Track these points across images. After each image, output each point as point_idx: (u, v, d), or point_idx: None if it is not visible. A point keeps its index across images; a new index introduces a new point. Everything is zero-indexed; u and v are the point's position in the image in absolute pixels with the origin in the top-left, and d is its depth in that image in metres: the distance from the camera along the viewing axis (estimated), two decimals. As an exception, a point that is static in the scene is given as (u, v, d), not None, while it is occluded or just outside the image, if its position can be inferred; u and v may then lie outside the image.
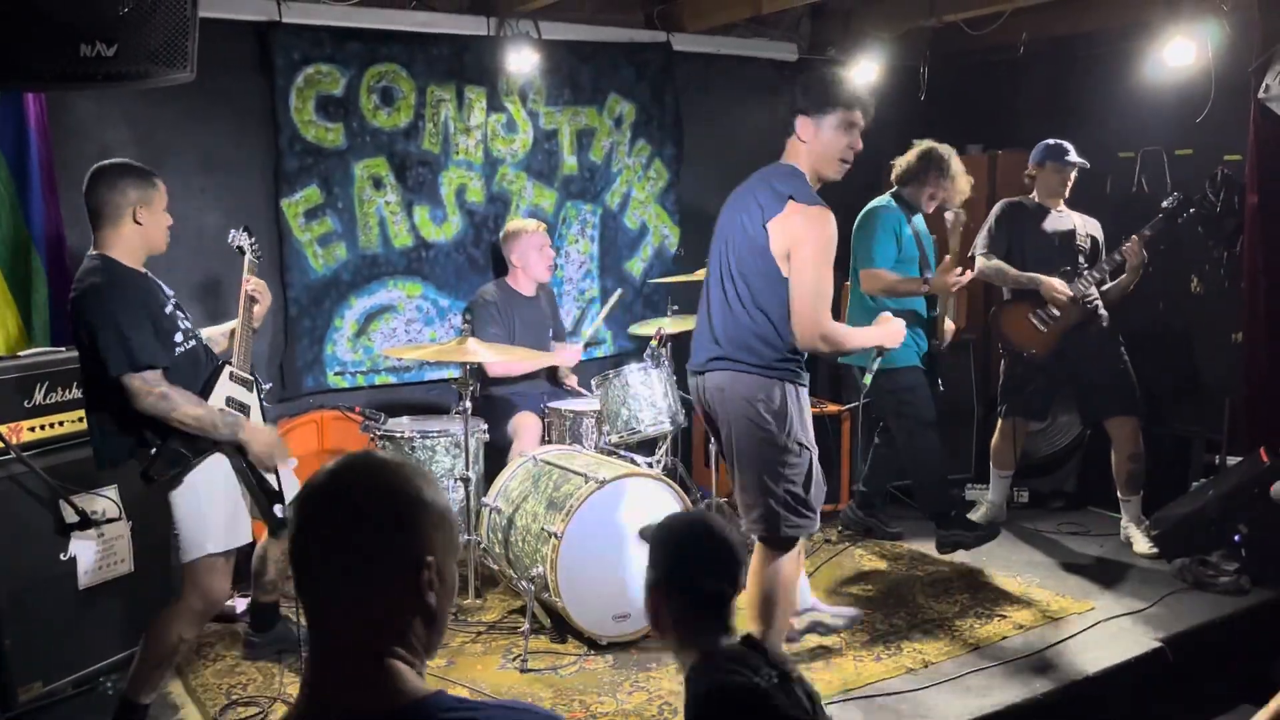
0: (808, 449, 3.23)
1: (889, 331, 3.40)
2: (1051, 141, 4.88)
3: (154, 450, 3.03)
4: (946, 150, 4.59)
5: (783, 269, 3.08)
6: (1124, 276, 4.76)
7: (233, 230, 3.55)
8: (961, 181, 4.57)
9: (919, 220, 4.64)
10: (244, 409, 3.23)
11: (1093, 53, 5.68)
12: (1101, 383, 4.80)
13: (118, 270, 3.03)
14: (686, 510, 3.59)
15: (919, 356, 4.54)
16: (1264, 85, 4.60)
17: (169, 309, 3.13)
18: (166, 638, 3.10)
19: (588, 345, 5.32)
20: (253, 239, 3.55)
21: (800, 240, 3.05)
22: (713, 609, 2.15)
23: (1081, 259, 4.83)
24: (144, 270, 3.13)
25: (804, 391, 3.25)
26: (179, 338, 3.12)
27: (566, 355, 4.96)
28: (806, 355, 3.22)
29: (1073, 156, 4.83)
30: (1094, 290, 4.78)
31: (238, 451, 3.17)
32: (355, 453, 1.37)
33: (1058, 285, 4.71)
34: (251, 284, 3.42)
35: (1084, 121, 5.78)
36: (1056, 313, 4.75)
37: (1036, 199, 4.94)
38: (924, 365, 4.55)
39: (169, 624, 3.11)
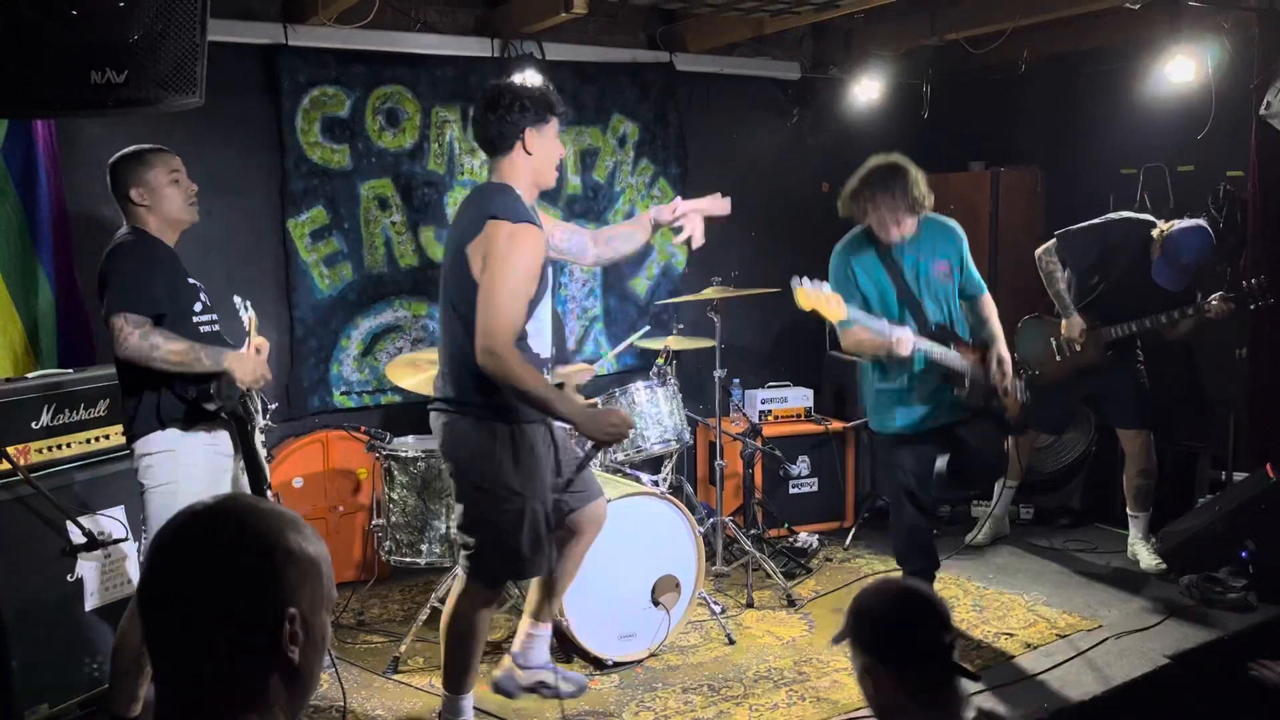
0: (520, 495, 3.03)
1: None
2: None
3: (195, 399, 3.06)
4: (890, 164, 3.80)
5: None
6: (1190, 321, 4.58)
7: (236, 298, 3.41)
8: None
9: (910, 249, 3.85)
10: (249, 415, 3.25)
11: (1094, 70, 5.70)
12: (1117, 394, 4.77)
13: (147, 237, 3.15)
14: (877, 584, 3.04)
15: (904, 423, 3.88)
16: (1265, 102, 4.62)
17: (192, 280, 3.22)
18: (131, 642, 3.12)
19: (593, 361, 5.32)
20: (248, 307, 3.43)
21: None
22: (944, 680, 1.93)
23: (1158, 304, 4.56)
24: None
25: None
26: (198, 308, 3.20)
27: (577, 371, 4.96)
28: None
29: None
30: (1130, 331, 4.61)
31: (241, 434, 3.20)
32: (221, 497, 1.27)
33: (1076, 335, 4.64)
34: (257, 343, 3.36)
35: (1086, 138, 5.80)
36: (1077, 348, 4.72)
37: (1153, 227, 4.58)
38: (923, 428, 3.88)
39: (130, 630, 3.13)
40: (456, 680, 3.19)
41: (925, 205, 3.78)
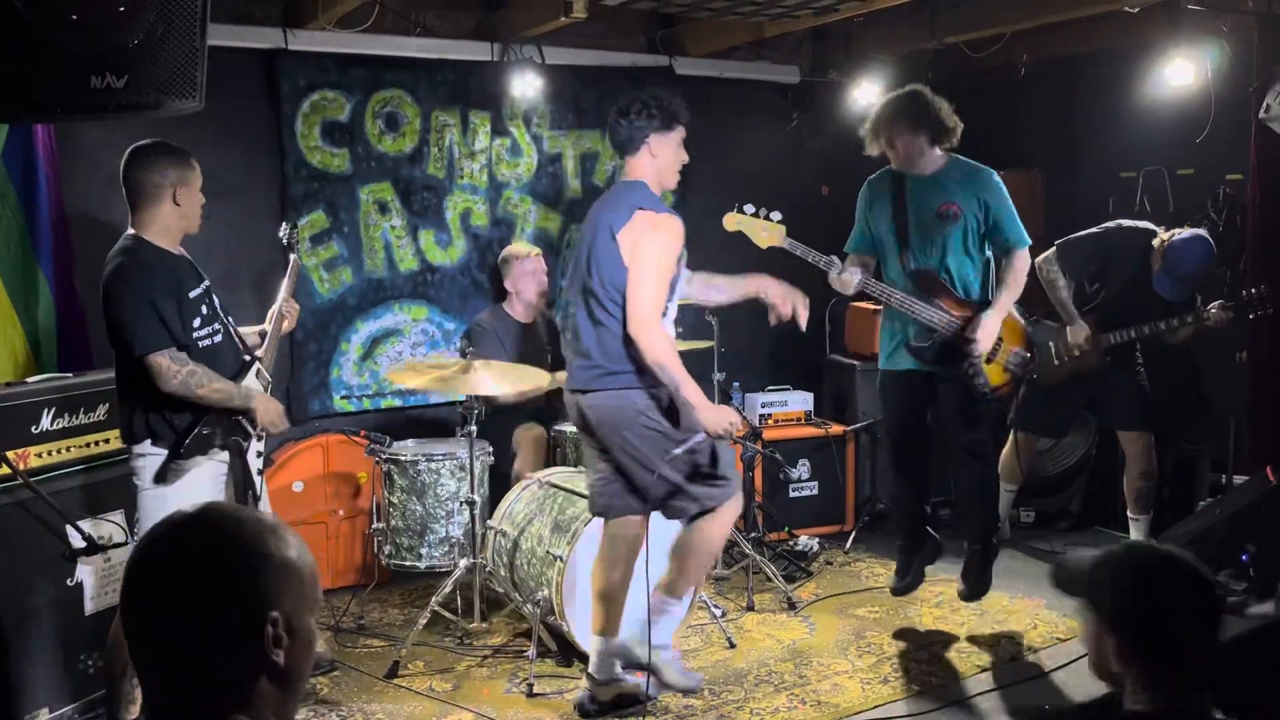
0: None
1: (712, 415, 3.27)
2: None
3: (184, 430, 3.12)
4: (904, 91, 3.97)
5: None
6: (1189, 329, 4.57)
7: (284, 225, 3.73)
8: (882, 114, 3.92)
9: (920, 187, 3.89)
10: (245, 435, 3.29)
11: (1093, 73, 5.71)
12: (1118, 396, 4.76)
13: (148, 250, 3.12)
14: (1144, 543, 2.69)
15: (882, 362, 4.06)
16: (1264, 105, 4.62)
17: (195, 293, 3.20)
18: (121, 642, 3.12)
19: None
20: (295, 234, 3.72)
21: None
22: (1196, 668, 1.72)
23: (1159, 311, 4.57)
24: (179, 252, 3.23)
25: None
26: (197, 323, 3.18)
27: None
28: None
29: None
30: (1129, 337, 4.61)
31: (236, 452, 3.23)
32: (201, 505, 1.28)
33: (1081, 339, 4.62)
34: (288, 303, 3.60)
35: (1085, 142, 5.80)
36: (1077, 352, 4.71)
37: (1154, 236, 4.57)
38: (908, 371, 3.97)
39: (120, 628, 3.13)
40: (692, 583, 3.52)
41: (945, 135, 3.84)
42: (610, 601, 3.44)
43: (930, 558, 4.27)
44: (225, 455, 3.24)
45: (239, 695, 1.17)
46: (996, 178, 3.91)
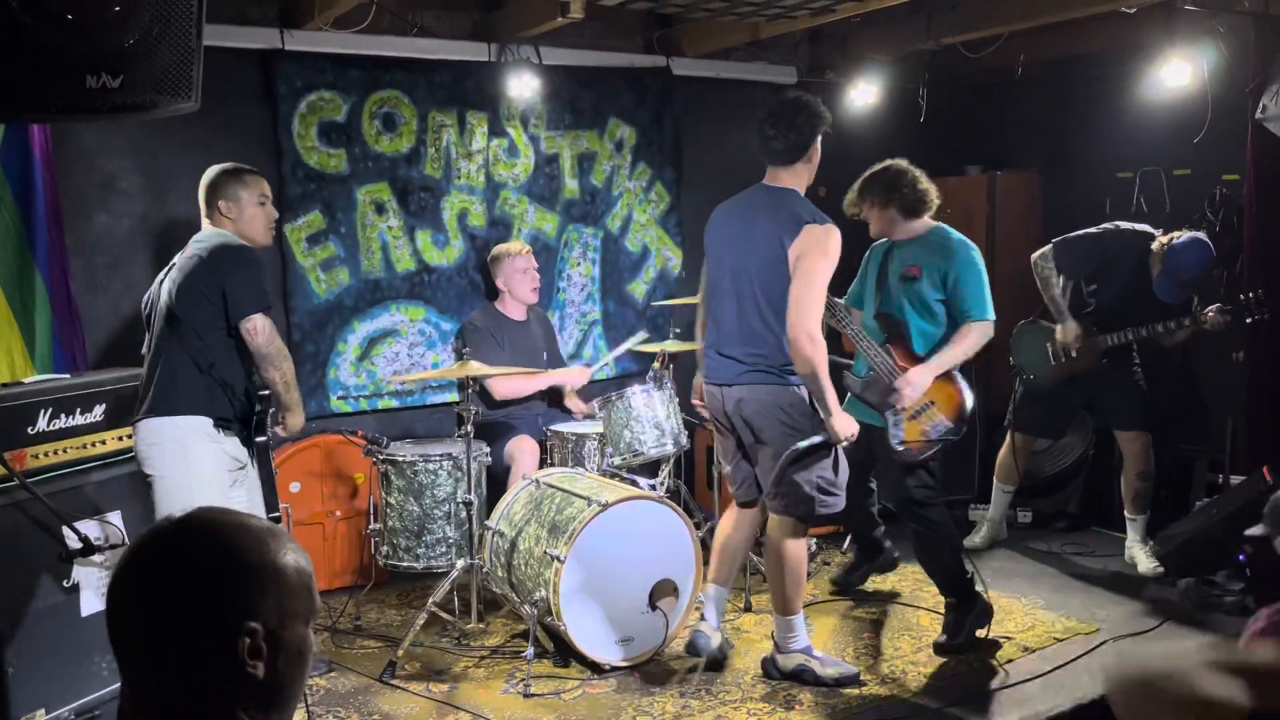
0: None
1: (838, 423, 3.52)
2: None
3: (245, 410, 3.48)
4: (881, 166, 4.05)
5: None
6: (1186, 331, 4.58)
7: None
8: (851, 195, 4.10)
9: (899, 250, 4.03)
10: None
11: (1090, 74, 5.71)
12: (1115, 397, 4.77)
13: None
14: None
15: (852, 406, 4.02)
16: (1261, 106, 4.63)
17: None
18: None
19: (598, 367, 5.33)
20: None
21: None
22: None
23: (1154, 313, 4.59)
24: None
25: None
26: None
27: (575, 375, 4.97)
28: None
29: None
30: (1126, 339, 4.62)
31: (264, 450, 3.61)
32: (195, 509, 1.25)
33: (1072, 338, 4.64)
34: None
35: (1082, 142, 5.81)
36: (1074, 353, 4.72)
37: (1152, 239, 4.60)
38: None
39: None
40: (789, 603, 3.69)
41: (917, 207, 3.95)
42: (724, 555, 3.82)
43: (881, 568, 4.68)
44: (239, 453, 3.47)
45: (215, 704, 1.15)
46: (971, 253, 3.92)
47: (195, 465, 3.33)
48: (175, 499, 3.23)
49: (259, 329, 3.36)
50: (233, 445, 3.47)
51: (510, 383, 4.72)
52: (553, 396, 5.05)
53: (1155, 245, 4.58)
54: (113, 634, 1.18)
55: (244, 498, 3.51)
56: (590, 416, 4.82)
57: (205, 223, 3.54)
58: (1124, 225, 4.74)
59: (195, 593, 1.15)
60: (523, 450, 4.59)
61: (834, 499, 3.66)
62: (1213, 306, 4.52)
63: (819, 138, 3.58)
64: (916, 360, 3.87)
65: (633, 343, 5.06)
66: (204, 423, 3.38)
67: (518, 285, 4.88)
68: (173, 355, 3.39)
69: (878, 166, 4.04)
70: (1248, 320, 4.53)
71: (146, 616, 1.15)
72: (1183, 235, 4.55)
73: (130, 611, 1.17)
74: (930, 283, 3.90)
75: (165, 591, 1.15)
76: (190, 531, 1.20)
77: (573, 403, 5.04)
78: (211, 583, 1.15)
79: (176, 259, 3.48)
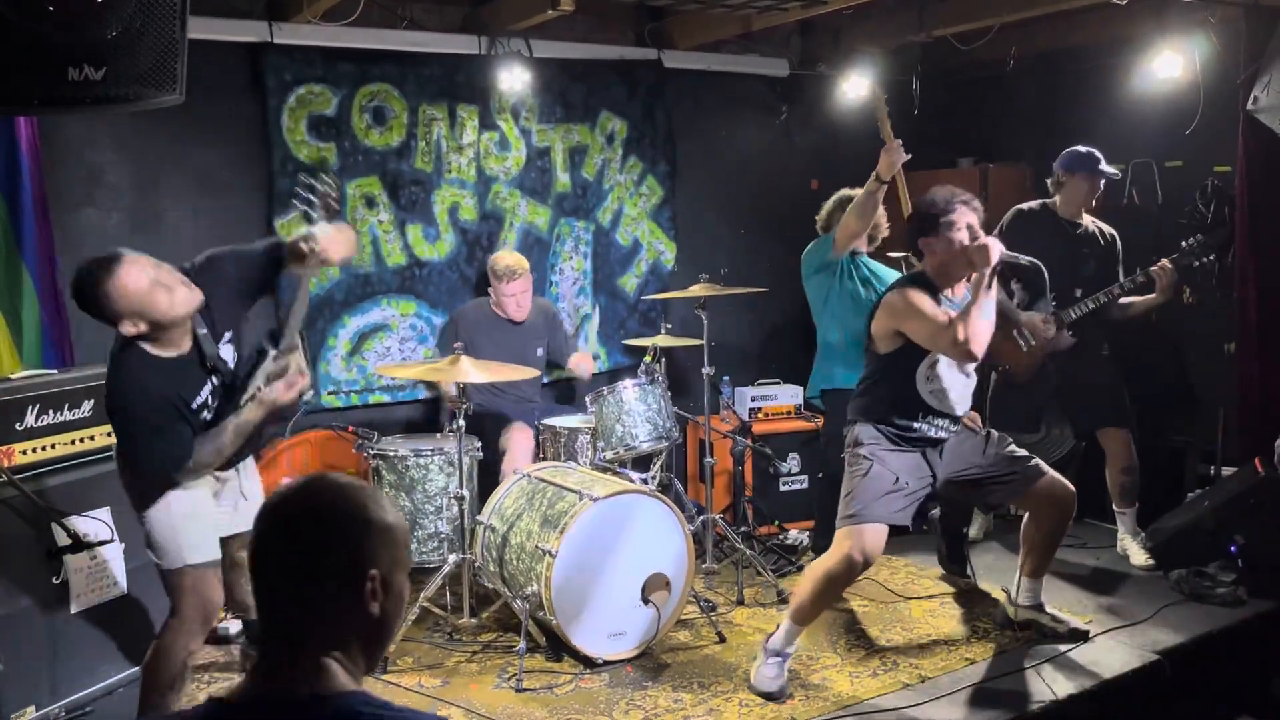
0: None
1: None
2: (1082, 150, 4.63)
3: None
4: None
5: None
6: (1153, 296, 4.54)
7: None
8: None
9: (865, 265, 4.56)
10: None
11: (1082, 66, 5.71)
12: (1091, 394, 4.76)
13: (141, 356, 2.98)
14: None
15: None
16: (1252, 97, 4.63)
17: (201, 371, 3.07)
18: (173, 656, 3.07)
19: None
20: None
21: None
22: None
23: (1092, 271, 4.63)
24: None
25: None
26: (197, 403, 3.06)
27: (580, 364, 4.98)
28: None
29: (1104, 166, 4.61)
30: (1087, 309, 4.61)
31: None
32: (312, 475, 1.48)
33: (1038, 324, 4.59)
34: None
35: (1074, 134, 5.77)
36: (1050, 333, 4.69)
37: (1057, 207, 4.70)
38: None
39: (172, 641, 3.09)
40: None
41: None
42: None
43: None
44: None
45: (339, 638, 1.37)
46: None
47: (184, 504, 3.11)
48: (164, 527, 3.10)
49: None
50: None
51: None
52: (560, 392, 5.06)
53: (1057, 198, 4.69)
54: (259, 574, 1.39)
55: (229, 510, 3.31)
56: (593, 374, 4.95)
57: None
58: (1023, 206, 4.80)
59: (335, 545, 1.38)
60: (516, 439, 4.58)
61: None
62: (1160, 261, 4.47)
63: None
64: None
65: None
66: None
67: (504, 304, 4.86)
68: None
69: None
70: (1195, 264, 4.50)
71: (294, 563, 1.37)
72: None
73: (280, 557, 1.38)
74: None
75: (310, 543, 1.38)
76: (320, 492, 1.43)
77: (577, 366, 5.07)
78: (348, 537, 1.38)
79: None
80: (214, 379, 3.10)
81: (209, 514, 3.20)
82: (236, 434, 3.08)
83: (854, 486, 3.58)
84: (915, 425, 3.63)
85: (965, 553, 4.65)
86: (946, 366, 3.60)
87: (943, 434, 3.68)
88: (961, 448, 3.72)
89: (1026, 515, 3.93)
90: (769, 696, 3.57)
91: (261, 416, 3.12)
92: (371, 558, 1.38)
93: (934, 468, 3.69)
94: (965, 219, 3.59)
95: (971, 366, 3.65)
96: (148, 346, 2.94)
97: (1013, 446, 3.78)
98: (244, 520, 3.41)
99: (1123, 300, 4.61)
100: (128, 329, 2.86)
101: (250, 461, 3.42)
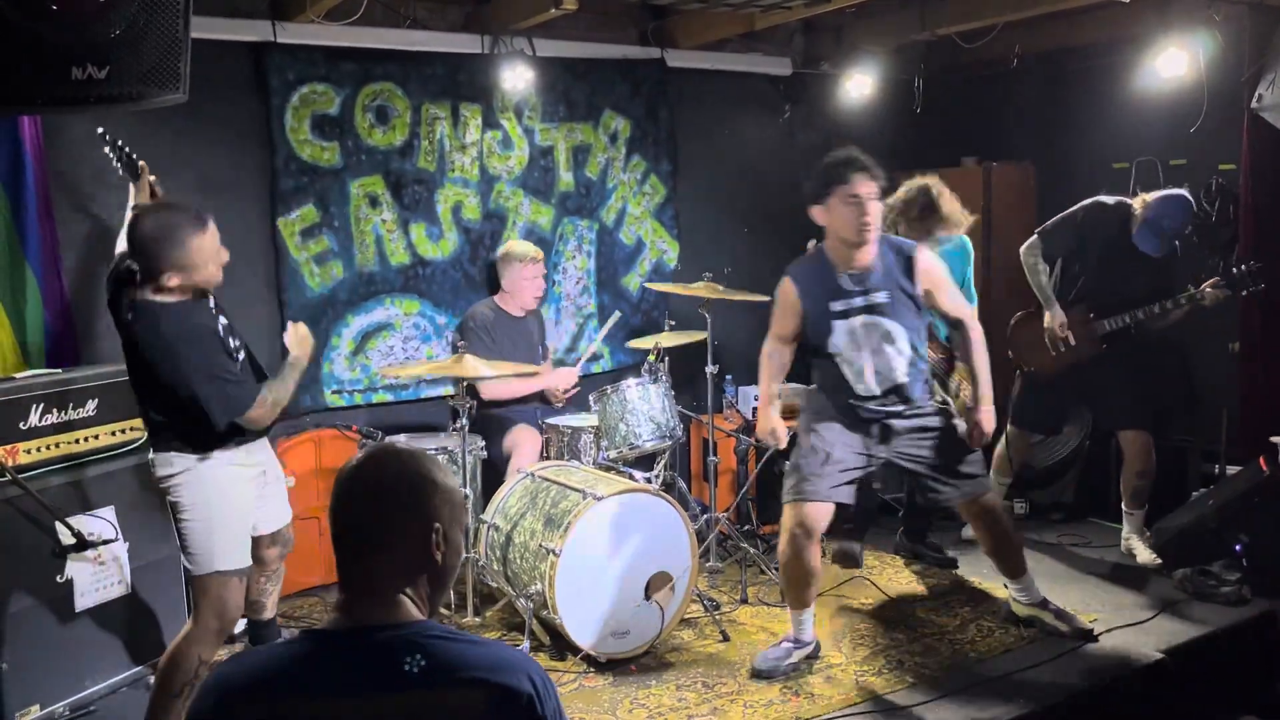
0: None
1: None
2: (1176, 195, 4.51)
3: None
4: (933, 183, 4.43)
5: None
6: (1184, 310, 4.55)
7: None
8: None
9: None
10: None
11: (1085, 65, 5.70)
12: (1116, 394, 4.72)
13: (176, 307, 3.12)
14: None
15: None
16: (1256, 95, 4.63)
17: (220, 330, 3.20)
18: (187, 663, 3.08)
19: (586, 360, 5.32)
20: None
21: None
22: None
23: (1141, 287, 4.56)
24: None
25: None
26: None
27: (562, 375, 4.97)
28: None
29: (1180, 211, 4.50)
30: (1124, 323, 4.58)
31: None
32: (382, 443, 1.73)
33: (1056, 327, 4.62)
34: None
35: (1078, 133, 5.80)
36: (1072, 341, 4.69)
37: (1133, 213, 4.55)
38: None
39: (188, 648, 3.09)
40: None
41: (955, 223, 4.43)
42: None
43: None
44: (262, 456, 3.36)
45: (410, 579, 1.60)
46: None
47: (216, 495, 3.15)
48: (204, 535, 3.14)
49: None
50: (256, 451, 3.31)
51: (496, 387, 4.69)
52: (542, 395, 5.04)
53: (1137, 203, 4.56)
54: (341, 522, 1.62)
55: (268, 502, 3.41)
56: (565, 403, 4.93)
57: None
58: (1105, 199, 4.69)
59: (411, 500, 1.60)
60: (523, 440, 4.58)
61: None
62: (1209, 281, 4.49)
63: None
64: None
65: (610, 324, 5.20)
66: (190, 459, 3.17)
67: (522, 290, 4.87)
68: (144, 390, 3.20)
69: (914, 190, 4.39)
70: (1244, 293, 4.50)
71: (375, 518, 1.60)
72: (1165, 190, 4.55)
73: (362, 509, 1.61)
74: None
75: (390, 501, 1.60)
76: (392, 459, 1.65)
77: (550, 391, 5.04)
78: (419, 496, 1.61)
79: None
80: (222, 318, 3.24)
81: (245, 512, 3.24)
82: (288, 386, 3.24)
83: (793, 460, 3.72)
84: (850, 403, 3.66)
85: (927, 530, 4.85)
86: (847, 345, 3.61)
87: (883, 410, 3.66)
88: (921, 439, 3.72)
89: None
90: (756, 672, 3.68)
91: (297, 379, 3.30)
92: (436, 513, 1.61)
93: (876, 448, 3.70)
94: (859, 189, 3.51)
95: (901, 342, 3.62)
96: (167, 299, 3.04)
97: (969, 462, 3.76)
98: (272, 519, 3.44)
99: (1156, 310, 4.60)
100: (172, 280, 3.00)
101: (275, 462, 3.48)
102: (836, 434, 3.67)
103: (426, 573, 1.62)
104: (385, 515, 1.60)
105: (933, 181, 4.43)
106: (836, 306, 3.62)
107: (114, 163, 3.40)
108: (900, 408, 3.68)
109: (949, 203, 4.40)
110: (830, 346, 3.63)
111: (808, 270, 3.71)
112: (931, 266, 3.71)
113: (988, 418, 3.75)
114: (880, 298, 3.60)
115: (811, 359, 3.78)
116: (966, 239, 4.63)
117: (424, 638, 1.53)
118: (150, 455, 3.19)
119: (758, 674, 3.69)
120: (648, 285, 5.64)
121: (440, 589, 1.65)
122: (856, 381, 3.64)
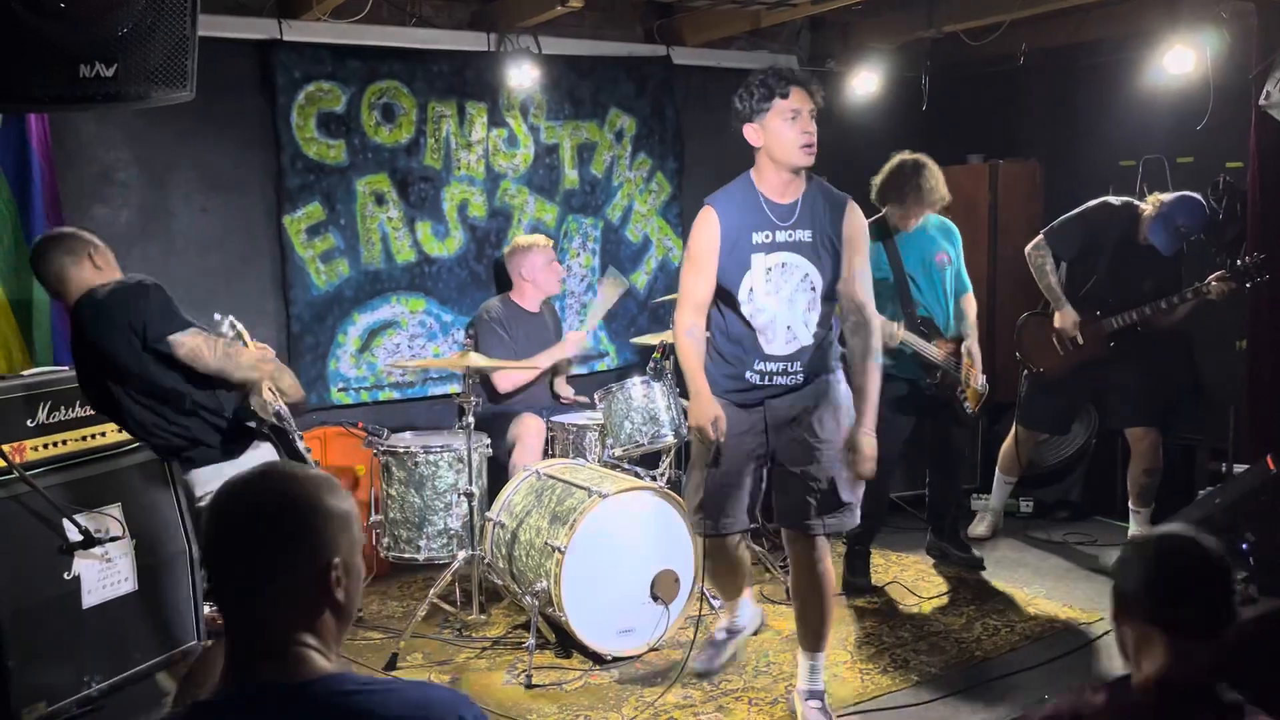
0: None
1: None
2: (1194, 199, 4.51)
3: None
4: (916, 160, 4.32)
5: None
6: (1190, 305, 4.55)
7: (216, 315, 3.29)
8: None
9: (907, 242, 4.37)
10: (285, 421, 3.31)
11: (1092, 62, 5.68)
12: (1124, 392, 4.72)
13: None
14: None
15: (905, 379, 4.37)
16: (1264, 92, 4.60)
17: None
18: (215, 669, 3.08)
19: (589, 359, 5.32)
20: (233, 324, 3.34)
21: None
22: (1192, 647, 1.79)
23: (1149, 288, 4.57)
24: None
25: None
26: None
27: (573, 339, 4.94)
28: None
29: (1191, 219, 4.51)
30: (1131, 320, 4.58)
31: (278, 434, 3.22)
32: (265, 465, 1.50)
33: (1068, 326, 4.62)
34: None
35: (1085, 130, 5.78)
36: (1080, 340, 4.68)
37: (1140, 215, 4.57)
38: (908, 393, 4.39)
39: (217, 656, 3.10)
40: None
41: (943, 200, 4.32)
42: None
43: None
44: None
45: (308, 624, 1.38)
46: (958, 231, 4.55)
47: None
48: None
49: (192, 351, 3.02)
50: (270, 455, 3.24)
51: (512, 376, 4.70)
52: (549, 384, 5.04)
53: (1147, 203, 4.56)
54: (217, 566, 1.39)
55: None
56: (578, 402, 4.89)
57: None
58: (1112, 200, 4.69)
59: (300, 539, 1.37)
60: (527, 431, 4.57)
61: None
62: (1214, 275, 4.49)
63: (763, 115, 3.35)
64: (948, 342, 4.44)
65: (610, 288, 4.96)
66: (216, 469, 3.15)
67: (544, 278, 4.85)
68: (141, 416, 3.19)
69: (921, 167, 4.30)
70: (1248, 285, 4.50)
71: (254, 555, 1.36)
72: (1180, 192, 4.57)
73: (239, 550, 1.37)
74: (958, 260, 4.47)
75: (275, 540, 1.36)
76: (276, 483, 1.42)
77: (561, 388, 5.04)
78: (311, 530, 1.38)
79: None
80: None
81: None
82: (237, 362, 3.07)
83: (688, 471, 3.55)
84: (745, 375, 3.22)
85: (957, 527, 4.83)
86: (761, 285, 3.15)
87: (779, 385, 3.21)
88: (809, 445, 3.21)
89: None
90: (697, 674, 3.68)
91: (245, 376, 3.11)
92: (333, 545, 1.39)
93: (771, 434, 3.24)
94: (799, 103, 3.25)
95: (818, 293, 3.18)
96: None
97: (852, 491, 3.26)
98: None
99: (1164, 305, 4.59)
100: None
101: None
102: (729, 426, 3.14)
103: (328, 611, 1.40)
104: (271, 558, 1.36)
105: (921, 157, 4.36)
106: (759, 238, 3.19)
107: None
108: (799, 378, 3.21)
109: (933, 177, 4.31)
110: (741, 286, 3.18)
111: (730, 196, 3.33)
112: (859, 229, 3.25)
113: (870, 444, 3.18)
114: (805, 236, 3.18)
115: (710, 314, 3.32)
116: (950, 222, 4.56)
117: (334, 695, 1.33)
118: (187, 477, 3.18)
119: (699, 675, 3.66)
120: (656, 301, 5.62)
121: (345, 624, 1.45)
122: (761, 337, 3.18)
